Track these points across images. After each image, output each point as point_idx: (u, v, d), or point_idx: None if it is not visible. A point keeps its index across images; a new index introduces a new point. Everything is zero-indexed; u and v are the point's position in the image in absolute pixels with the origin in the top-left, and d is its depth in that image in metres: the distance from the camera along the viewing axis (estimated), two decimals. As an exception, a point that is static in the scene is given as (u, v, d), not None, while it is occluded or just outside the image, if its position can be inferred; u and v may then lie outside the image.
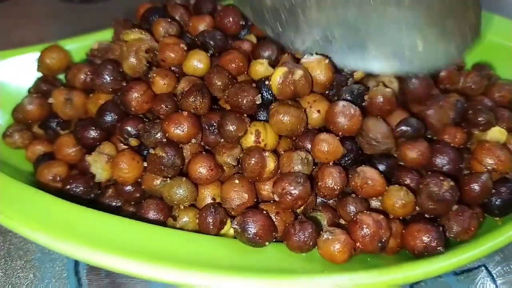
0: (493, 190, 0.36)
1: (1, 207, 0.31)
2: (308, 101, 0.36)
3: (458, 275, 0.38)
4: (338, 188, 0.34)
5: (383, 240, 0.32)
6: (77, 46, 0.46)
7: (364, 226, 0.32)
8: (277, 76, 0.35)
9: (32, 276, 0.38)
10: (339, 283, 0.30)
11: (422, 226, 0.33)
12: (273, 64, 0.39)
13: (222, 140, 0.36)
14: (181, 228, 0.34)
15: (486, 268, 0.39)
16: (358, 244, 0.32)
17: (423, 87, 0.37)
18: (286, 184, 0.33)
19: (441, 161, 0.36)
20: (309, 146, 0.35)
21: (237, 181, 0.34)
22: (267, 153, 0.34)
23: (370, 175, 0.34)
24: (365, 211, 0.34)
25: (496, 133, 0.38)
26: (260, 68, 0.38)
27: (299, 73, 0.35)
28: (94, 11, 0.69)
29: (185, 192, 0.34)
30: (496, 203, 0.36)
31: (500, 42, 0.47)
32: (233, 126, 0.34)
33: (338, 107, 0.35)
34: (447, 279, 0.38)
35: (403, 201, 0.34)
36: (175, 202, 0.35)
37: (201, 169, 0.35)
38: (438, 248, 0.32)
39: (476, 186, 0.35)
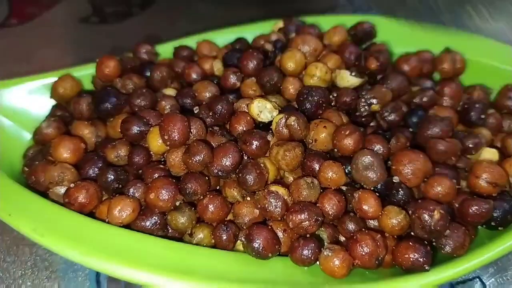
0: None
1: (33, 224, 0.33)
2: (315, 122, 0.39)
3: (453, 286, 0.40)
4: (333, 214, 0.35)
5: (380, 257, 0.34)
6: (89, 73, 0.48)
7: (363, 245, 0.33)
8: (275, 122, 0.38)
9: (57, 286, 0.40)
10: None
11: (411, 244, 0.34)
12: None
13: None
14: (197, 244, 0.36)
15: (481, 280, 0.40)
16: (357, 261, 0.33)
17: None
18: (305, 221, 0.34)
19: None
20: (316, 166, 0.37)
21: (248, 198, 0.37)
22: (279, 191, 0.36)
23: (366, 200, 0.35)
24: (363, 229, 0.35)
25: (489, 153, 0.39)
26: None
27: (291, 118, 0.38)
28: (112, 31, 0.70)
29: (187, 221, 0.36)
30: (497, 216, 0.36)
31: (499, 67, 0.49)
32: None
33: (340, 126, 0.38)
34: (444, 290, 0.39)
35: (402, 224, 0.35)
36: (179, 229, 0.37)
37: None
38: (424, 265, 0.33)
39: (478, 212, 0.35)
